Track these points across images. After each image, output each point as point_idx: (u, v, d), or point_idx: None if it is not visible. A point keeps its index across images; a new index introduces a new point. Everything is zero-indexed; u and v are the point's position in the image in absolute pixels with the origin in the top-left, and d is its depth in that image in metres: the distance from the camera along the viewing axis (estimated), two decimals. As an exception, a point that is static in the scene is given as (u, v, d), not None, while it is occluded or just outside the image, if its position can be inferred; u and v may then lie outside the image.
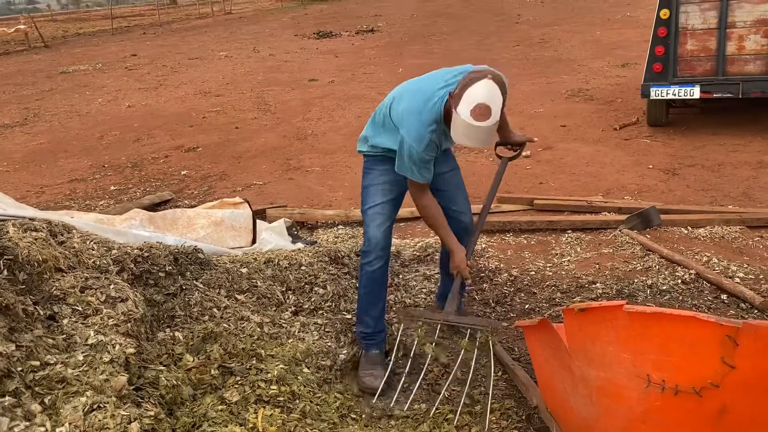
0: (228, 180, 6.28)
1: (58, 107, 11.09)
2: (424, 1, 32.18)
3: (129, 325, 2.31)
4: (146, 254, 2.76)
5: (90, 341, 2.14)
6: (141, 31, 27.99)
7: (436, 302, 3.42)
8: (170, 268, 2.82)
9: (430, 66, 13.03)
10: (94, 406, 1.87)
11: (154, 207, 5.37)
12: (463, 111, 2.34)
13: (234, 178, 6.31)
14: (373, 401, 2.74)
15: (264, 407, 2.30)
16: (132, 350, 2.18)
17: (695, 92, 6.17)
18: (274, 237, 4.04)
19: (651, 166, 5.73)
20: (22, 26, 24.67)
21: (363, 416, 2.60)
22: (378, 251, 2.84)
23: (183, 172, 6.61)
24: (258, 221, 4.29)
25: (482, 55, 13.61)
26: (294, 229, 4.59)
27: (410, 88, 2.72)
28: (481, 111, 2.32)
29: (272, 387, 2.43)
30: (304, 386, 2.57)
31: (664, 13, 6.17)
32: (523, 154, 6.38)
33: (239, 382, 2.40)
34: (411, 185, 2.71)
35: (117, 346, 2.14)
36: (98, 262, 2.57)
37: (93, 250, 2.63)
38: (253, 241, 4.00)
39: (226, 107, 9.94)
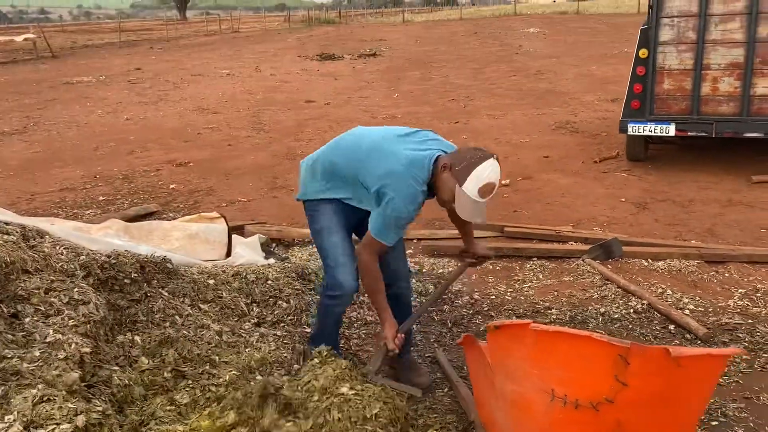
0: (214, 195, 6.45)
1: (58, 117, 11.33)
2: (430, 28, 32.76)
3: (88, 326, 2.46)
4: (113, 261, 2.91)
5: (48, 339, 2.29)
6: (148, 46, 28.47)
7: None
8: (136, 275, 2.97)
9: (423, 92, 13.27)
10: (44, 398, 2.01)
11: (139, 218, 5.54)
12: (470, 188, 2.43)
13: (220, 194, 6.49)
14: None
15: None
16: (88, 350, 2.33)
17: (671, 130, 6.36)
18: (247, 252, 4.20)
19: (623, 199, 5.91)
20: (31, 35, 25.09)
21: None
22: (349, 297, 2.86)
23: (172, 186, 6.79)
24: (234, 236, 4.45)
25: (478, 84, 13.89)
26: (269, 245, 4.74)
27: (375, 147, 2.67)
28: (487, 189, 2.45)
29: (221, 390, 2.57)
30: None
31: (643, 53, 6.40)
32: (503, 182, 6.56)
33: (190, 385, 2.53)
34: (369, 246, 2.64)
35: (73, 345, 2.29)
36: (65, 267, 2.72)
37: (62, 255, 2.79)
38: (227, 255, 4.16)
39: (222, 124, 10.16)
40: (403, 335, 2.73)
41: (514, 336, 2.03)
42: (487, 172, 2.43)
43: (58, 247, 2.86)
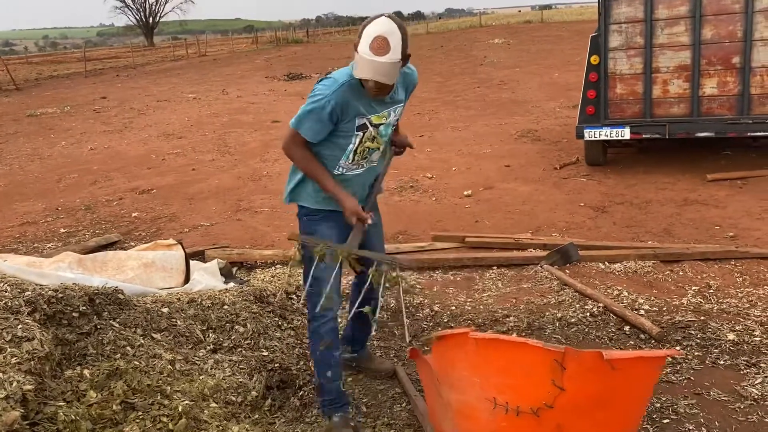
0: (177, 221, 6.42)
1: (20, 150, 11.19)
2: (396, 43, 32.93)
3: (32, 363, 2.43)
4: (60, 295, 2.88)
5: (-11, 379, 2.25)
6: (114, 74, 28.30)
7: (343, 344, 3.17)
8: (84, 308, 2.94)
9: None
10: (-19, 440, 1.98)
11: (100, 249, 5.48)
12: (362, 49, 2.38)
13: (183, 220, 6.45)
14: None
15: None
16: (30, 387, 2.30)
17: (626, 133, 6.49)
18: (205, 277, 4.18)
19: (582, 204, 6.00)
20: (-7, 69, 24.79)
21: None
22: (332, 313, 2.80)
23: (134, 214, 6.74)
24: (193, 262, 4.43)
25: (443, 96, 14.02)
26: (230, 269, 4.72)
27: None
28: (379, 44, 2.35)
29: (173, 423, 2.55)
30: (212, 417, 2.70)
31: (594, 59, 6.54)
32: (465, 193, 6.62)
33: (140, 417, 2.51)
34: (288, 138, 2.65)
35: (14, 383, 2.26)
36: (9, 303, 2.69)
37: (6, 291, 2.76)
38: (185, 282, 4.13)
39: (187, 149, 10.13)
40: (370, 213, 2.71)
41: (455, 345, 2.05)
42: (375, 27, 2.38)
43: (1, 284, 2.82)
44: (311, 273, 2.76)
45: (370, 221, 2.72)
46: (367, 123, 2.65)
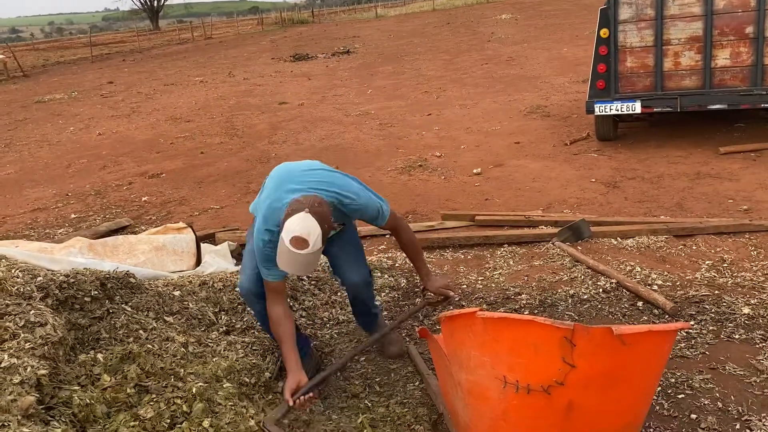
0: (187, 205, 6.42)
1: (29, 137, 11.22)
2: (402, 22, 32.71)
3: (46, 348, 2.43)
4: (72, 280, 2.88)
5: (3, 364, 2.27)
6: (121, 58, 28.25)
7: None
8: (96, 293, 2.95)
9: (396, 86, 13.25)
10: (-3, 425, 1.99)
11: (111, 234, 5.49)
12: (284, 239, 2.46)
13: (193, 203, 6.46)
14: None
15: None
16: (45, 372, 2.31)
17: (636, 107, 6.40)
18: (216, 260, 4.18)
19: (594, 180, 5.94)
20: (0, 56, 24.81)
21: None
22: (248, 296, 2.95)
23: (144, 198, 6.75)
24: (203, 245, 4.44)
25: (450, 74, 13.89)
26: (239, 251, 4.71)
27: (272, 181, 2.81)
28: (297, 243, 2.44)
29: (186, 405, 2.56)
30: (226, 399, 2.71)
31: (604, 32, 6.43)
32: (474, 171, 6.58)
33: (154, 399, 2.52)
34: (266, 288, 2.78)
35: (29, 368, 2.27)
36: (21, 290, 2.69)
37: (17, 278, 2.76)
38: (197, 265, 4.14)
39: (195, 132, 10.11)
40: (310, 395, 2.55)
41: (464, 325, 2.04)
42: (296, 226, 2.44)
43: (13, 270, 2.83)
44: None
45: (291, 403, 2.56)
46: None
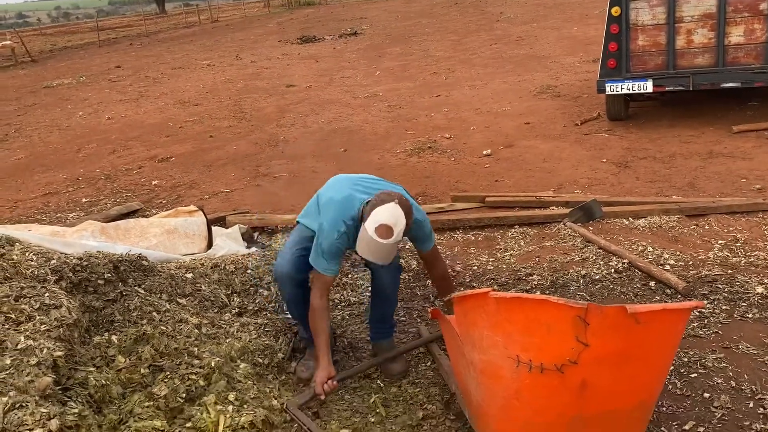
0: (197, 188, 6.43)
1: (39, 122, 11.25)
2: (409, 3, 32.38)
3: (61, 330, 2.46)
4: (85, 263, 2.91)
5: (20, 346, 2.29)
6: (128, 42, 28.19)
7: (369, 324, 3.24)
8: (109, 275, 2.97)
9: (404, 68, 13.12)
10: (16, 405, 2.02)
11: (122, 217, 5.52)
12: (369, 227, 2.57)
13: (203, 187, 6.47)
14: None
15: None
16: (60, 353, 2.33)
17: (648, 86, 6.33)
18: (228, 243, 4.20)
19: (605, 160, 5.89)
20: (8, 42, 24.82)
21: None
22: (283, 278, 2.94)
23: (154, 182, 6.76)
24: (214, 228, 4.45)
25: (459, 55, 13.79)
26: (251, 234, 4.73)
27: (336, 184, 2.93)
28: (383, 231, 2.54)
29: (203, 380, 2.58)
30: (245, 377, 2.74)
31: (615, 11, 6.34)
32: (484, 152, 6.55)
33: (169, 377, 2.54)
34: (313, 279, 2.82)
35: (45, 350, 2.30)
36: (36, 272, 2.72)
37: (32, 261, 2.79)
38: (208, 248, 4.16)
39: (203, 116, 10.10)
40: (336, 383, 2.71)
41: (476, 306, 2.03)
42: (384, 214, 2.56)
43: (27, 254, 2.85)
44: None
45: (323, 398, 2.70)
46: None
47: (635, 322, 1.79)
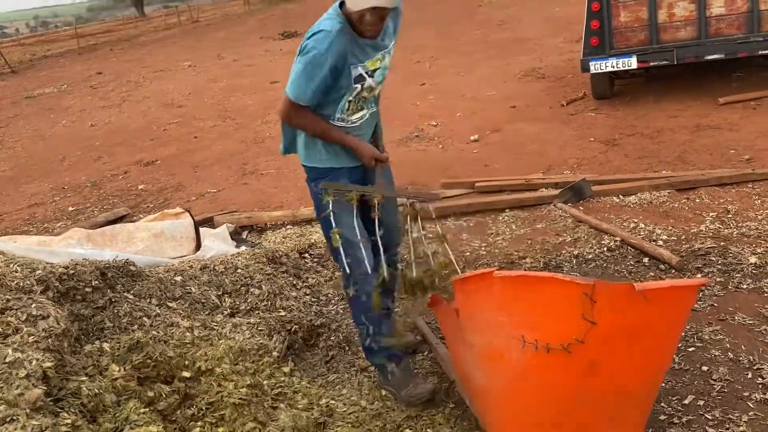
0: (183, 191, 6.38)
1: (21, 133, 11.13)
2: (390, -8, 32.16)
3: (50, 340, 2.41)
4: (71, 272, 2.86)
5: (8, 359, 2.24)
6: (108, 48, 27.90)
7: None
8: (97, 282, 2.92)
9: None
10: (6, 419, 1.98)
11: (109, 223, 5.45)
12: None
13: (190, 188, 6.41)
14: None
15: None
16: (50, 364, 2.29)
17: (632, 62, 6.31)
18: (216, 243, 4.14)
19: (592, 139, 5.88)
20: (-13, 54, 24.54)
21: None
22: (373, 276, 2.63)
23: (140, 187, 6.70)
24: (202, 229, 4.39)
25: (442, 43, 13.72)
26: (239, 233, 4.69)
27: None
28: None
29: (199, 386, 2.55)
30: (238, 374, 2.72)
31: (596, -12, 6.31)
32: (472, 138, 6.51)
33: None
34: (282, 103, 2.55)
35: (34, 362, 2.25)
36: (21, 284, 2.67)
37: (16, 272, 2.73)
38: (197, 249, 4.10)
39: (187, 117, 10.02)
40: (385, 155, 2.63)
41: (480, 287, 2.00)
42: None
43: (12, 265, 2.80)
44: (342, 236, 2.63)
45: (389, 160, 2.64)
46: (364, 73, 2.54)
47: (644, 299, 1.75)
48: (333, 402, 2.74)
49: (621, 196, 4.46)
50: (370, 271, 2.62)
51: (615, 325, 1.83)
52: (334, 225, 2.63)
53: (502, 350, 1.98)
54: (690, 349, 2.74)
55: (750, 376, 2.53)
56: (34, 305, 2.55)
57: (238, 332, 3.08)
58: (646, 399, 2.05)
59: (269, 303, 3.42)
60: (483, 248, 4.06)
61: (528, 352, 1.89)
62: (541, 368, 1.91)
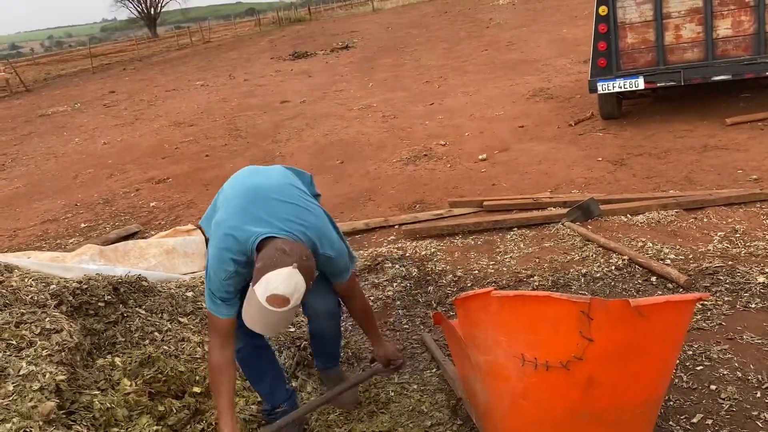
0: (195, 208, 6.44)
1: (35, 150, 11.28)
2: (400, 14, 32.59)
3: (63, 354, 2.45)
4: (85, 286, 2.91)
5: (22, 372, 2.29)
6: (121, 68, 28.31)
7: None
8: (110, 297, 2.97)
9: (397, 78, 13.16)
10: (20, 431, 2.01)
11: (121, 240, 5.52)
12: (259, 292, 2.03)
13: (201, 206, 6.47)
14: None
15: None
16: (63, 377, 2.33)
17: (640, 83, 6.35)
18: (227, 259, 4.19)
19: (600, 159, 5.90)
20: (2, 73, 24.94)
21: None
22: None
23: (152, 204, 6.78)
24: (213, 245, 4.45)
25: (450, 63, 13.84)
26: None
27: (233, 199, 2.32)
28: (277, 300, 2.03)
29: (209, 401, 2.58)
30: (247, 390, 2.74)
31: (603, 10, 6.38)
32: (480, 157, 6.55)
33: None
34: (209, 325, 2.42)
35: (47, 375, 2.29)
36: (36, 298, 2.72)
37: (31, 286, 2.79)
38: (208, 265, 4.16)
39: (199, 136, 10.13)
40: None
41: (479, 306, 2.03)
42: (278, 282, 2.01)
43: (27, 280, 2.85)
44: None
45: None
46: None
47: (639, 315, 1.78)
48: (340, 418, 2.76)
49: (629, 216, 4.48)
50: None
51: (613, 342, 1.85)
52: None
53: (503, 368, 2.00)
54: (698, 368, 2.74)
55: (759, 395, 2.53)
56: (48, 319, 2.60)
57: (248, 348, 3.11)
58: (648, 415, 2.06)
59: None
60: (491, 266, 4.08)
61: (528, 370, 1.92)
62: (541, 386, 1.93)
